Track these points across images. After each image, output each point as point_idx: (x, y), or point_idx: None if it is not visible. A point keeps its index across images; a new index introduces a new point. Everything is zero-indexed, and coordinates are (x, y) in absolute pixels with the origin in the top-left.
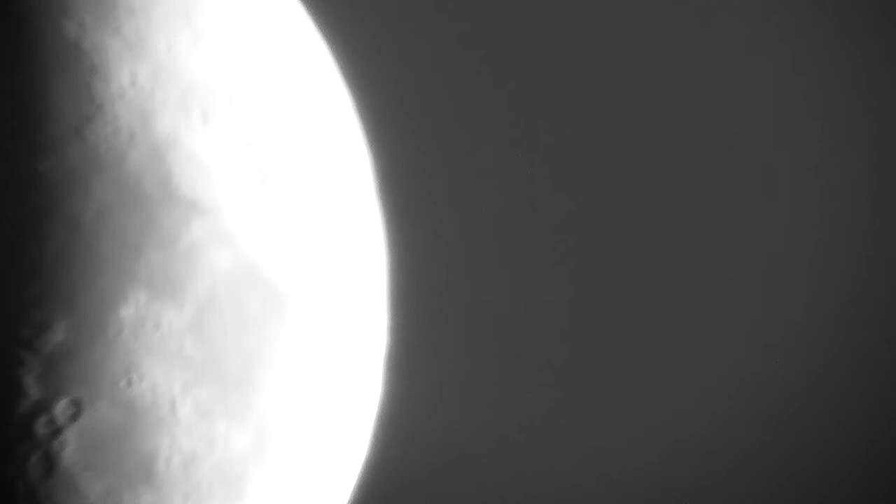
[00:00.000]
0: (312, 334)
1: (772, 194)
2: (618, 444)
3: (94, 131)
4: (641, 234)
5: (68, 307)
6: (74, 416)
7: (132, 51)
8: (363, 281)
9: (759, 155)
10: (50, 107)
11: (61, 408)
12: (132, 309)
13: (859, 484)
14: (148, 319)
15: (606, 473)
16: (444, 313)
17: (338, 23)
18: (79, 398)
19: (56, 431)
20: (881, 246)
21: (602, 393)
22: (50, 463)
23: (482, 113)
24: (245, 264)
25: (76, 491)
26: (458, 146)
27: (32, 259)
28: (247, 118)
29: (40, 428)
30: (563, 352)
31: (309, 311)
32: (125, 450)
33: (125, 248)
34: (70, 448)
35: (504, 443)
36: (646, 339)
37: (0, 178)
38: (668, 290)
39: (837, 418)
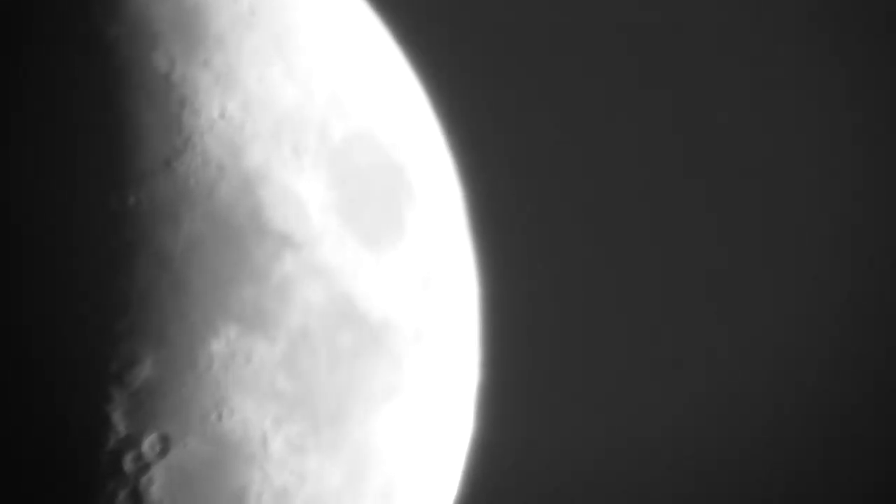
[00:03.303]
0: (405, 369)
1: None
2: (715, 478)
3: (183, 164)
4: (739, 265)
5: (158, 341)
6: (163, 452)
7: (222, 83)
8: (455, 316)
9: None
10: (139, 140)
11: (150, 443)
12: (223, 343)
13: (860, 484)
14: (239, 353)
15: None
16: (535, 349)
17: (429, 57)
18: (167, 433)
19: (144, 467)
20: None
21: (697, 427)
22: (137, 499)
23: (576, 147)
24: (338, 299)
25: None
26: (550, 180)
27: (122, 293)
28: (339, 150)
29: (128, 464)
30: (654, 388)
31: (401, 346)
32: (215, 485)
33: (216, 282)
34: (158, 484)
35: (595, 477)
36: (740, 375)
37: (90, 212)
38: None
39: (843, 419)
